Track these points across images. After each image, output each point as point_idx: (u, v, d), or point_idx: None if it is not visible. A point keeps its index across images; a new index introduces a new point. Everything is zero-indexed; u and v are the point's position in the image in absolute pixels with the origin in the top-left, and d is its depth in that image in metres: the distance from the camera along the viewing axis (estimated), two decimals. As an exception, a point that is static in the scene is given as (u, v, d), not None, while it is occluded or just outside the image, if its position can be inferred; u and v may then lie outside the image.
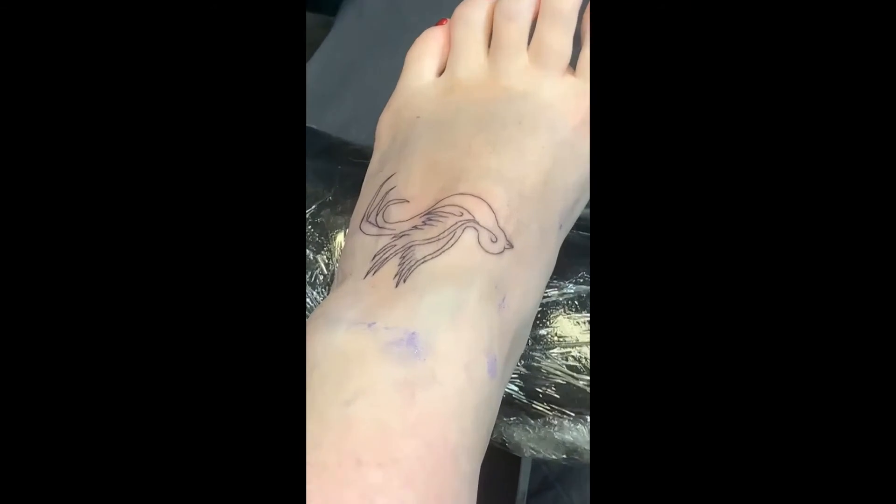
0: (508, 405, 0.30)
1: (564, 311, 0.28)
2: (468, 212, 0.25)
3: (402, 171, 0.27)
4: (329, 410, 0.21)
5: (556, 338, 0.28)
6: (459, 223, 0.25)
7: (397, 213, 0.26)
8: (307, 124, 0.32)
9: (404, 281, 0.24)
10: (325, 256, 0.29)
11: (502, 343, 0.25)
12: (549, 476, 0.39)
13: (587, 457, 0.28)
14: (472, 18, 0.30)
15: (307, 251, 0.29)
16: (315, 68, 0.40)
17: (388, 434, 0.21)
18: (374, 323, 0.23)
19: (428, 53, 0.31)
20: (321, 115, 0.37)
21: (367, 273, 0.25)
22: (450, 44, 0.30)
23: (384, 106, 0.31)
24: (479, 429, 0.23)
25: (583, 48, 0.29)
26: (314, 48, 0.39)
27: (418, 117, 0.29)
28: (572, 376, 0.28)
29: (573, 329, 0.28)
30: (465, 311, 0.23)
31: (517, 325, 0.26)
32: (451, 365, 0.22)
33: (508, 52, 0.29)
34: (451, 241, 0.25)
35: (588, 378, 0.27)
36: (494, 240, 0.25)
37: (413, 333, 0.22)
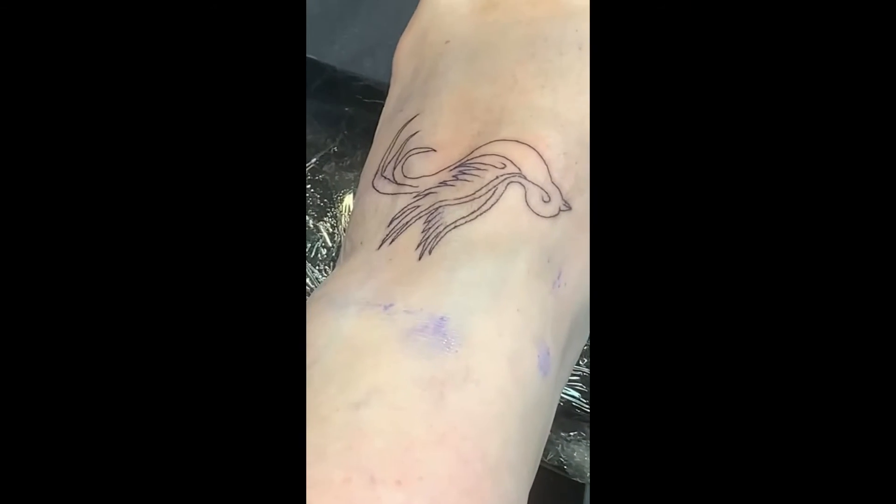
0: (567, 416, 0.31)
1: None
2: (513, 163, 0.25)
3: (427, 112, 0.27)
4: (335, 415, 0.21)
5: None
6: (501, 177, 0.25)
7: (421, 165, 0.26)
8: (307, 55, 0.33)
9: (430, 252, 0.24)
10: (328, 224, 0.31)
11: (558, 332, 0.24)
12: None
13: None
14: None
15: (306, 217, 0.30)
16: None
17: (411, 445, 0.21)
18: (391, 305, 0.23)
19: None
20: (326, 45, 0.40)
21: (383, 242, 0.25)
22: None
23: (404, 30, 0.31)
24: (527, 441, 0.23)
25: None
26: None
27: (448, 42, 0.29)
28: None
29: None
30: (510, 289, 0.23)
31: (577, 310, 0.25)
32: (492, 358, 0.22)
33: None
34: (491, 201, 0.25)
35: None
36: (547, 199, 0.25)
37: (442, 318, 0.23)
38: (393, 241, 0.25)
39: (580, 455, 0.30)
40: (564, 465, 0.31)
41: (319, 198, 0.30)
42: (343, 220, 0.30)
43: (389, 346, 0.22)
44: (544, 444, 0.25)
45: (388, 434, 0.21)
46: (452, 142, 0.26)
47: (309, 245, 0.30)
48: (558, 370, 0.25)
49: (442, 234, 0.24)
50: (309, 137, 0.30)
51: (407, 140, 0.27)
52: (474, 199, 0.25)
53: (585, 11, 0.28)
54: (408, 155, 0.27)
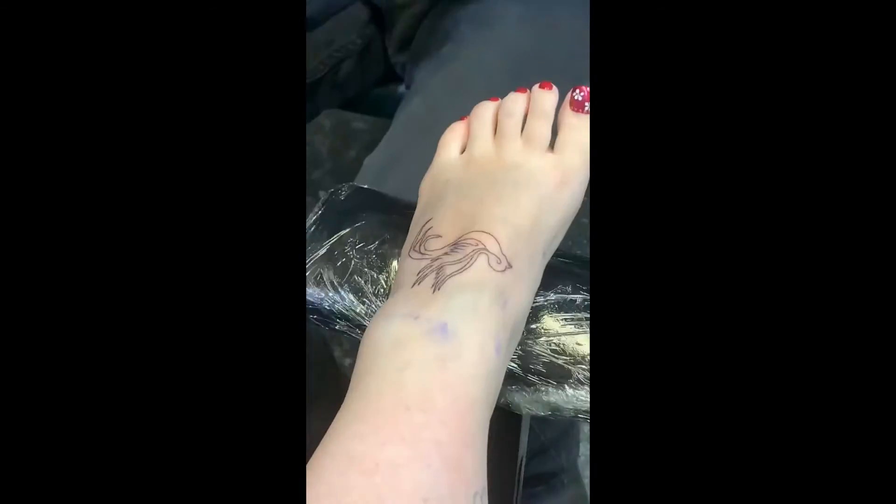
0: (510, 377, 0.37)
1: (548, 312, 0.39)
2: (482, 243, 0.35)
3: (437, 217, 0.37)
4: (387, 374, 0.29)
5: (542, 330, 0.38)
6: (476, 250, 0.34)
7: (433, 244, 0.36)
8: (375, 188, 0.44)
9: (438, 289, 0.33)
10: (384, 276, 0.40)
11: (504, 332, 0.33)
12: (545, 442, 0.49)
13: (567, 414, 0.38)
14: (483, 115, 0.41)
15: (373, 272, 0.40)
16: (380, 151, 0.52)
17: (429, 390, 0.28)
18: (418, 317, 0.31)
19: (454, 139, 0.41)
20: (384, 183, 0.50)
21: (413, 284, 0.34)
22: (469, 132, 0.41)
23: (425, 174, 0.41)
24: (490, 390, 0.31)
25: (558, 134, 0.40)
26: (377, 141, 0.53)
27: (447, 181, 0.40)
28: (554, 357, 0.38)
29: (554, 324, 0.38)
30: (480, 309, 0.32)
31: (515, 321, 0.34)
32: (471, 345, 0.30)
33: (508, 138, 0.40)
34: (470, 263, 0.34)
35: (566, 357, 0.37)
36: (500, 262, 0.34)
37: (445, 324, 0.31)
38: (419, 284, 0.34)
39: (517, 398, 0.37)
40: (509, 404, 0.38)
41: (379, 261, 0.38)
42: (392, 275, 0.37)
43: (417, 339, 0.30)
44: (499, 392, 0.32)
45: (417, 384, 0.28)
46: (450, 232, 0.36)
47: (375, 287, 0.38)
48: (505, 352, 0.33)
49: (444, 280, 0.33)
50: (375, 232, 0.39)
51: (427, 231, 0.37)
52: (461, 261, 0.34)
53: (518, 166, 0.38)
54: (427, 239, 0.36)
